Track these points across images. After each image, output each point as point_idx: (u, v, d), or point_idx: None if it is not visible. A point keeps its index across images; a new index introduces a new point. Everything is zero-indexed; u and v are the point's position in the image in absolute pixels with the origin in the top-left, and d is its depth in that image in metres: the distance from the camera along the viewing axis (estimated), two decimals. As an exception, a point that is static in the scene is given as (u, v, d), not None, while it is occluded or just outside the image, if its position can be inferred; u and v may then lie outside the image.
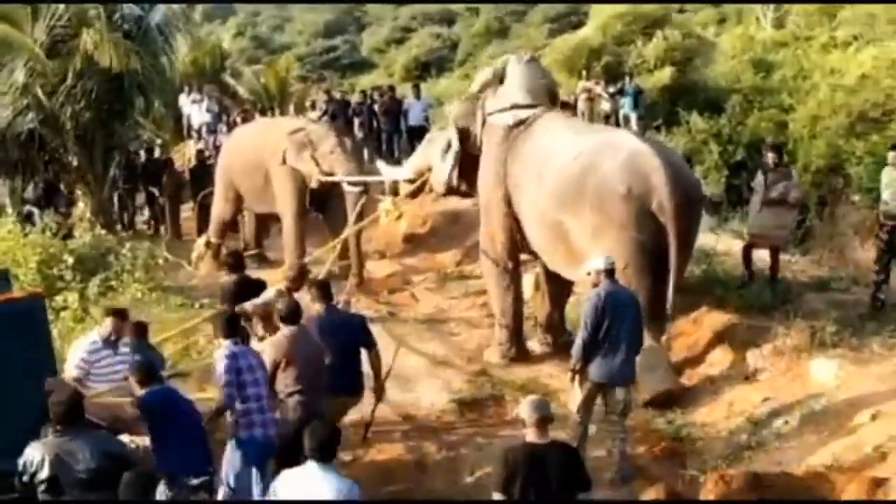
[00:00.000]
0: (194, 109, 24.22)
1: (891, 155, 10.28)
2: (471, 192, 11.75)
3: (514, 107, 10.83)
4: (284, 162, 14.35)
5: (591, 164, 9.61)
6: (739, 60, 23.70)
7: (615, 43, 25.93)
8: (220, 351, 7.08)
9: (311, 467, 5.54)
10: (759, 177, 11.45)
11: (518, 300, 11.18)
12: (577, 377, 8.13)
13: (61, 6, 15.96)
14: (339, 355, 7.71)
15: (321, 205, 14.82)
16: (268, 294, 8.67)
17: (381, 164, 14.46)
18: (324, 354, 7.53)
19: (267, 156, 14.69)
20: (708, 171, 18.76)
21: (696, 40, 26.30)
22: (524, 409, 5.69)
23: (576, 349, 8.08)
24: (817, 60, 21.57)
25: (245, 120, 20.66)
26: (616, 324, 7.91)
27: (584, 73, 22.77)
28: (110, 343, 7.90)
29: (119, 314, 8.11)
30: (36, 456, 5.49)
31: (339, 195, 14.42)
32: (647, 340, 9.14)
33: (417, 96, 21.22)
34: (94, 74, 15.87)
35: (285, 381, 7.30)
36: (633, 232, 9.22)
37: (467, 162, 11.38)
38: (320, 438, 5.57)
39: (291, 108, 24.79)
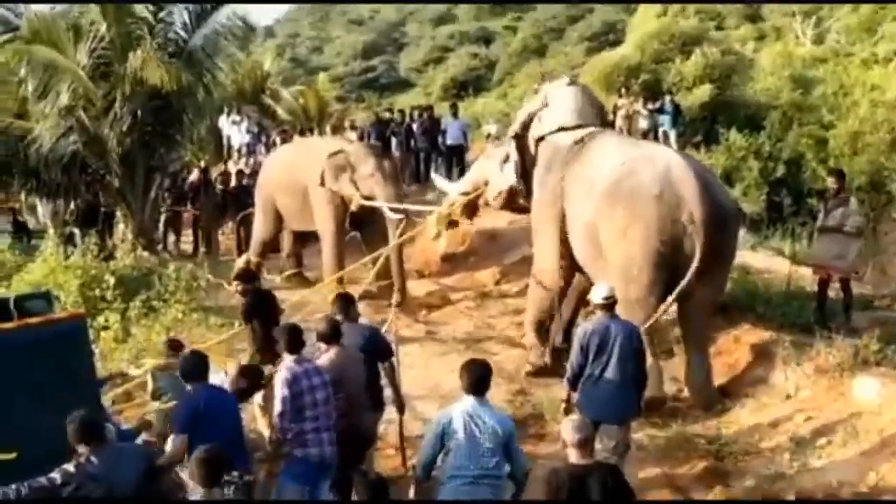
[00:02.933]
0: (234, 130, 24.51)
1: None
2: (528, 204, 11.70)
3: (561, 129, 10.94)
4: (323, 184, 14.42)
5: (630, 169, 9.76)
6: (779, 77, 23.64)
7: (653, 61, 25.95)
8: (280, 373, 6.91)
9: (468, 401, 5.94)
10: (822, 204, 11.28)
11: (553, 305, 11.02)
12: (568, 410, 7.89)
13: (103, 27, 16.09)
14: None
15: (360, 224, 14.86)
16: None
17: (436, 178, 14.46)
18: (363, 371, 7.45)
19: (305, 176, 14.73)
20: (748, 188, 18.69)
21: (735, 57, 26.24)
22: (566, 429, 5.55)
23: (564, 383, 7.99)
24: (858, 76, 21.46)
25: (284, 141, 20.83)
26: (605, 359, 7.61)
27: (622, 90, 22.76)
28: None
29: None
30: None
31: (378, 215, 14.42)
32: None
33: (455, 115, 21.29)
34: (138, 96, 15.99)
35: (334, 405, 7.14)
36: (656, 236, 9.24)
37: (525, 176, 11.45)
38: (476, 374, 5.98)
39: (328, 128, 24.96)
